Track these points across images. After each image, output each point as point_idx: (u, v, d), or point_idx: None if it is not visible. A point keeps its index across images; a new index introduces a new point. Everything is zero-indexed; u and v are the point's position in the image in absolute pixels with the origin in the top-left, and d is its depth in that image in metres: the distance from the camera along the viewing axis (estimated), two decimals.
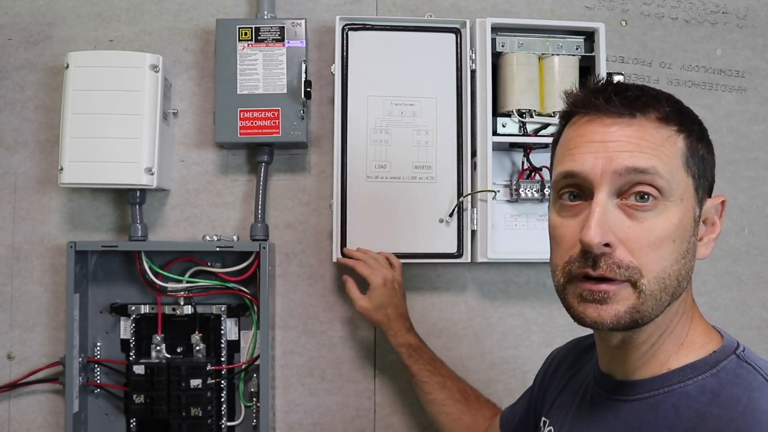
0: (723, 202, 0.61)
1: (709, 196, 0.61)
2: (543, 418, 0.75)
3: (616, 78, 1.11)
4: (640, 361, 0.60)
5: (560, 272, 0.59)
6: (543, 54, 1.10)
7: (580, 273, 0.56)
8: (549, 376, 0.80)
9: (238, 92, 1.08)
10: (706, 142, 0.60)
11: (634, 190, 0.55)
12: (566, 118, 0.62)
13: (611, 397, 0.61)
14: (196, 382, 1.06)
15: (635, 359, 0.60)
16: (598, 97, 0.57)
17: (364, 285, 1.05)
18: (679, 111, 0.59)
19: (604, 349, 0.64)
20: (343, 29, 1.08)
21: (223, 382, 1.11)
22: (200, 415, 1.06)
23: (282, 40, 1.09)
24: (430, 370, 1.00)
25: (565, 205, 0.59)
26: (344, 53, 1.08)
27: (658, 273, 0.55)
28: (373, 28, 1.09)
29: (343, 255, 1.07)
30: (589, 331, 0.70)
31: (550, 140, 1.09)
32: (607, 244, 0.55)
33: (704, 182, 0.59)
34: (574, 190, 0.58)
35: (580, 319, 0.57)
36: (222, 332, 1.11)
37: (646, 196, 0.55)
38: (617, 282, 0.55)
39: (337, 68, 1.07)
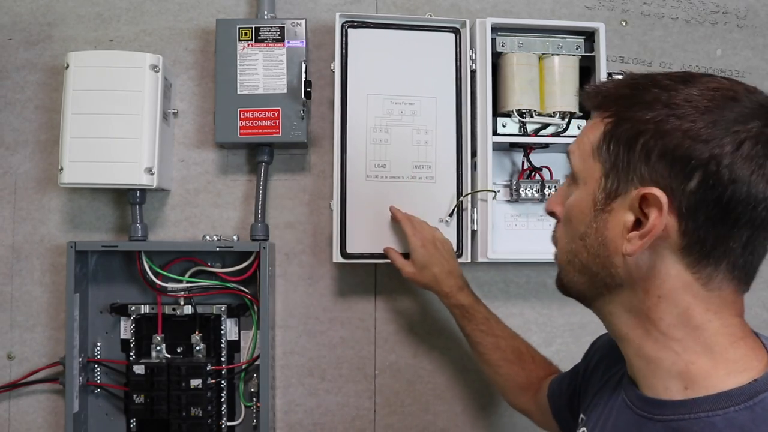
0: (644, 195, 0.52)
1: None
2: (582, 415, 0.72)
3: (617, 78, 1.11)
4: (642, 363, 0.57)
5: None
6: (543, 54, 1.10)
7: None
8: (592, 367, 0.76)
9: (238, 92, 1.08)
10: (651, 128, 0.53)
11: None
12: None
13: (636, 411, 0.58)
14: (196, 382, 1.06)
15: (636, 359, 0.58)
16: (585, 97, 0.62)
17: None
18: (620, 98, 0.56)
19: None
20: (342, 27, 1.08)
21: (223, 382, 1.11)
22: (200, 415, 1.06)
23: (282, 40, 1.09)
24: (483, 330, 0.97)
25: None
26: (344, 51, 1.08)
27: (561, 246, 0.62)
28: (373, 26, 1.09)
29: (390, 210, 1.06)
30: None
31: (550, 140, 1.10)
32: (555, 215, 0.64)
33: (626, 170, 0.54)
34: None
35: None
36: (222, 332, 1.11)
37: (569, 182, 0.62)
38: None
39: (336, 66, 1.07)
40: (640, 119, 0.54)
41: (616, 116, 0.56)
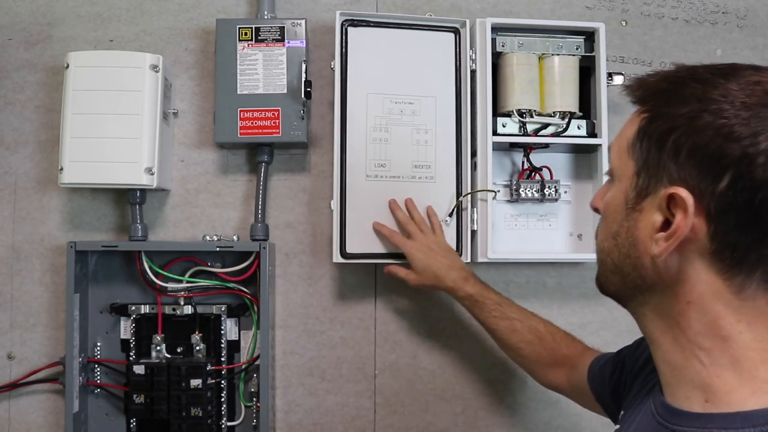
0: (671, 195, 0.50)
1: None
2: (622, 411, 0.71)
3: (617, 78, 1.11)
4: (668, 370, 0.56)
5: None
6: (543, 54, 1.10)
7: None
8: (641, 365, 0.73)
9: (238, 92, 1.08)
10: (682, 126, 0.51)
11: None
12: None
13: (657, 418, 0.57)
14: (196, 382, 1.06)
15: (662, 365, 0.57)
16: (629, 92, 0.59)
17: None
18: (657, 93, 0.54)
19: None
20: (342, 25, 1.08)
21: (223, 382, 1.11)
22: (200, 415, 1.06)
23: (282, 40, 1.09)
24: (496, 315, 0.97)
25: None
26: (344, 50, 1.08)
27: (599, 245, 0.61)
28: (373, 25, 1.09)
29: (375, 229, 1.08)
30: None
31: (550, 140, 1.10)
32: (597, 211, 0.63)
33: (657, 169, 0.52)
34: None
35: None
36: (222, 332, 1.11)
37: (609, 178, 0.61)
38: None
39: (336, 64, 1.07)
40: (673, 115, 0.51)
41: (652, 112, 0.54)
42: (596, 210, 0.63)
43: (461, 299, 1.00)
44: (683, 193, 0.50)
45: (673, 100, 0.52)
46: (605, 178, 1.08)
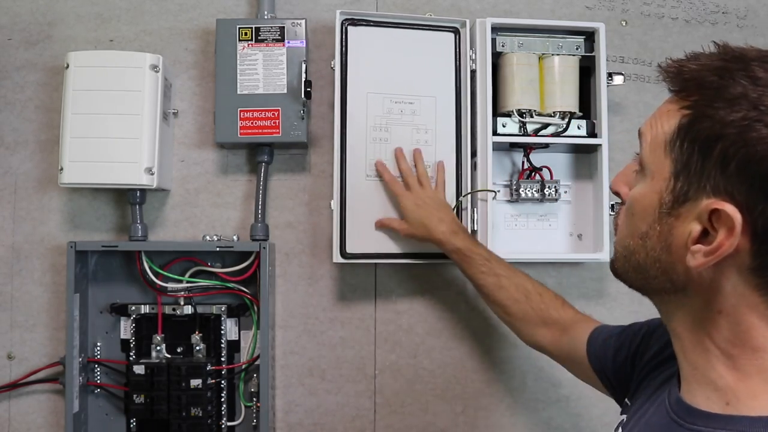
0: (714, 211, 0.47)
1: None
2: (626, 400, 0.69)
3: (617, 78, 1.11)
4: (689, 369, 0.55)
5: None
6: (543, 54, 1.10)
7: None
8: (657, 350, 0.70)
9: (238, 92, 1.08)
10: (732, 133, 0.47)
11: None
12: None
13: (671, 416, 0.55)
14: (196, 382, 1.06)
15: (683, 363, 0.56)
16: (665, 76, 0.55)
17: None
18: (702, 87, 0.50)
19: None
20: (342, 24, 1.08)
21: (223, 382, 1.11)
22: (200, 415, 1.06)
23: (282, 40, 1.09)
24: (484, 271, 0.96)
25: None
26: (344, 49, 1.08)
27: (620, 237, 0.58)
28: (373, 24, 1.09)
29: (377, 169, 1.08)
30: None
31: (550, 140, 1.10)
32: (619, 195, 0.60)
33: (699, 175, 0.49)
34: None
35: None
36: (222, 332, 1.11)
37: (637, 167, 0.57)
38: None
39: (336, 63, 1.06)
40: (722, 120, 0.47)
41: (695, 109, 0.49)
42: (617, 194, 0.60)
43: (450, 253, 1.00)
44: (730, 209, 0.46)
45: (721, 99, 0.48)
46: (606, 178, 1.09)
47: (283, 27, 1.09)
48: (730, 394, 0.51)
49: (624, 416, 0.66)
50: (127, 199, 1.11)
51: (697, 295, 0.52)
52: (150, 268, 1.09)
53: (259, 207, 1.12)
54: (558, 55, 1.10)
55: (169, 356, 1.09)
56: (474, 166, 1.11)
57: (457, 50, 1.11)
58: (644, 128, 0.55)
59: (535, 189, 1.10)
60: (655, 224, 0.52)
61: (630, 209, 0.56)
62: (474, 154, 1.10)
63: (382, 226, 1.07)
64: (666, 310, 0.57)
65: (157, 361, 1.08)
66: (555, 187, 1.11)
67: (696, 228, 0.49)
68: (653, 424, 0.57)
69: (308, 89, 1.06)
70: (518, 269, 0.99)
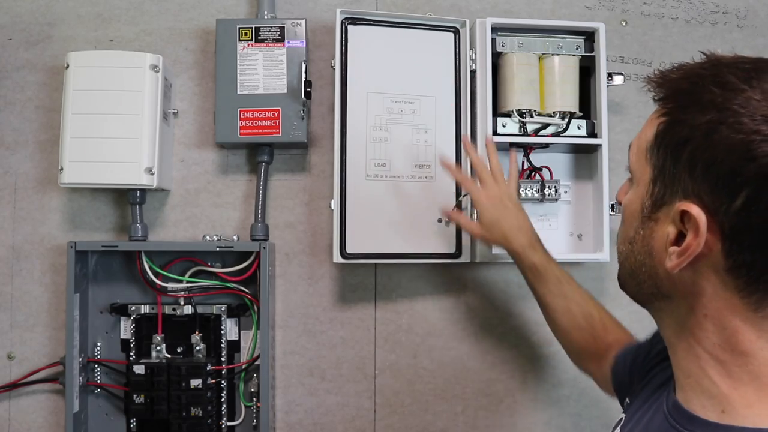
0: (683, 213, 0.49)
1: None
2: (627, 399, 0.70)
3: (617, 78, 1.11)
4: (681, 375, 0.55)
5: None
6: (543, 54, 1.10)
7: None
8: (654, 354, 0.71)
9: (238, 92, 1.08)
10: (699, 136, 0.48)
11: None
12: None
13: (668, 419, 0.55)
14: (196, 382, 1.06)
15: (677, 369, 0.56)
16: (652, 86, 0.56)
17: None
18: (678, 93, 0.52)
19: None
20: (342, 23, 1.08)
21: (223, 382, 1.11)
22: (200, 415, 1.06)
23: (282, 40, 1.09)
24: (554, 292, 0.91)
25: None
26: (344, 48, 1.07)
27: (618, 246, 0.60)
28: (373, 23, 1.09)
29: (442, 163, 1.04)
30: None
31: (550, 140, 1.10)
32: (620, 204, 0.61)
33: (672, 179, 0.50)
34: None
35: None
36: (222, 332, 1.11)
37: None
38: None
39: (336, 62, 1.06)
40: (690, 124, 0.49)
41: (670, 116, 0.52)
42: (620, 204, 0.62)
43: (524, 268, 0.94)
44: (695, 210, 0.48)
45: (691, 105, 0.50)
46: (606, 178, 1.09)
47: (283, 27, 1.09)
48: (725, 402, 0.51)
49: (623, 414, 0.66)
50: (127, 199, 1.11)
51: (682, 300, 0.53)
52: (150, 268, 1.09)
53: (259, 207, 1.12)
54: (558, 55, 1.10)
55: (169, 356, 1.09)
56: None
57: (457, 50, 1.11)
58: (633, 139, 0.58)
59: (535, 189, 1.10)
60: (639, 229, 0.55)
61: (622, 216, 0.59)
62: None
63: (451, 218, 1.03)
64: (658, 318, 0.59)
65: (157, 361, 1.08)
66: (555, 187, 1.11)
67: (672, 231, 0.51)
68: (651, 428, 0.57)
69: (308, 89, 1.06)
70: (587, 293, 0.94)
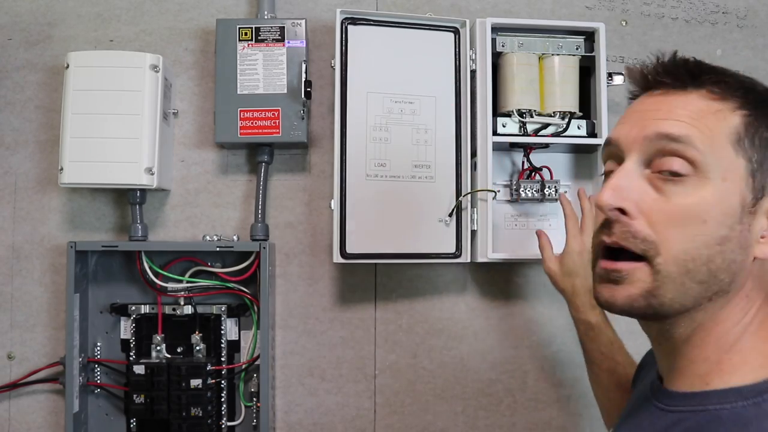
0: None
1: None
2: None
3: (617, 78, 1.11)
4: (680, 363, 0.55)
5: (593, 247, 0.57)
6: (543, 54, 1.10)
7: (598, 243, 0.56)
8: (639, 377, 0.75)
9: (238, 92, 1.08)
10: None
11: (664, 159, 0.52)
12: (633, 97, 0.59)
13: (652, 402, 0.57)
14: (196, 382, 1.06)
15: (676, 361, 0.56)
16: (652, 71, 0.55)
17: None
18: (748, 91, 0.53)
19: (653, 346, 0.61)
20: (342, 23, 1.07)
21: (223, 382, 1.11)
22: (200, 415, 1.06)
23: (282, 40, 1.09)
24: (604, 353, 0.91)
25: (605, 173, 0.58)
26: (344, 48, 1.07)
27: (678, 253, 0.51)
28: (373, 23, 1.09)
29: (560, 200, 1.02)
30: None
31: (550, 140, 1.10)
32: (623, 211, 0.53)
33: None
34: (614, 160, 0.57)
35: (597, 300, 0.56)
36: (222, 332, 1.11)
37: (677, 173, 0.52)
38: (634, 262, 0.52)
39: (336, 62, 1.06)
40: None
41: (754, 109, 0.52)
42: (620, 211, 0.53)
43: (579, 322, 0.94)
44: None
45: (760, 101, 0.53)
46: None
47: (283, 27, 1.09)
48: (714, 372, 0.53)
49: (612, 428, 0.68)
50: (127, 199, 1.11)
51: (752, 286, 0.54)
52: (150, 268, 1.09)
53: (259, 207, 1.12)
54: (558, 55, 1.10)
55: (169, 356, 1.09)
56: (474, 166, 1.11)
57: (457, 50, 1.11)
58: (685, 130, 0.52)
59: (535, 189, 1.10)
60: (737, 225, 0.51)
61: (700, 217, 0.51)
62: (474, 154, 1.10)
63: (540, 242, 1.00)
64: (690, 320, 0.54)
65: (157, 361, 1.08)
66: (555, 187, 1.11)
67: (765, 221, 0.52)
68: (641, 416, 0.58)
69: (308, 89, 1.06)
70: (634, 361, 0.89)
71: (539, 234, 1.01)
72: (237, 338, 1.13)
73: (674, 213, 0.51)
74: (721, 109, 0.52)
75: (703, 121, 0.52)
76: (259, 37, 1.09)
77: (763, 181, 0.52)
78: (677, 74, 0.54)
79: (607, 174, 0.57)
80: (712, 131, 0.51)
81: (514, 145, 1.13)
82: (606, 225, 0.54)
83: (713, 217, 0.51)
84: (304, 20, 1.10)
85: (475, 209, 1.09)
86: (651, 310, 0.53)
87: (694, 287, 0.52)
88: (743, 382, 0.50)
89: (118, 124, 1.04)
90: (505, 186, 1.14)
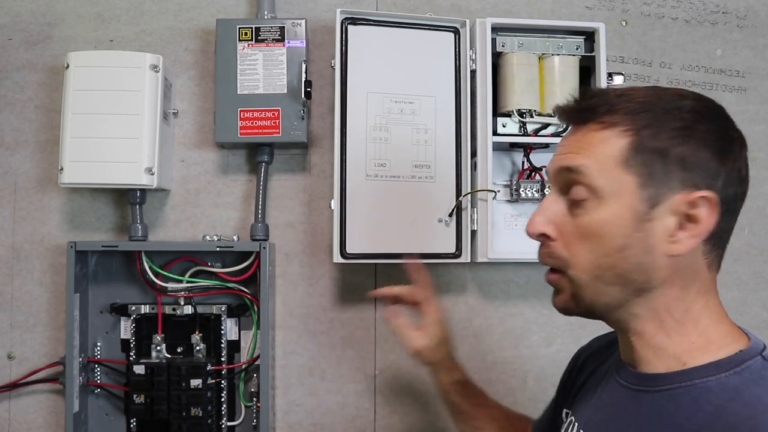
0: (702, 198, 0.56)
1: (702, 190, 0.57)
2: (565, 410, 0.75)
3: (617, 78, 1.11)
4: (650, 352, 0.61)
5: None
6: (543, 54, 1.10)
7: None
8: (575, 374, 0.79)
9: (239, 92, 1.08)
10: (680, 138, 0.57)
11: (572, 188, 0.60)
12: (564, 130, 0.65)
13: (632, 387, 0.62)
14: (196, 382, 1.06)
15: (643, 350, 0.61)
16: (561, 111, 0.64)
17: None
18: (639, 113, 0.59)
19: (620, 338, 0.67)
20: (342, 23, 1.07)
21: (223, 382, 1.11)
22: (200, 415, 1.06)
23: (282, 40, 1.09)
24: (480, 404, 0.92)
25: None
26: (344, 48, 1.07)
27: (585, 264, 0.60)
28: (373, 23, 1.09)
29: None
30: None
31: (550, 140, 1.10)
32: (546, 236, 0.62)
33: (664, 178, 0.57)
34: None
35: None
36: (222, 332, 1.11)
37: (579, 198, 0.60)
38: (557, 274, 0.62)
39: (336, 62, 1.06)
40: (666, 129, 0.58)
41: (640, 129, 0.58)
42: (543, 236, 0.62)
43: (451, 383, 0.92)
44: (709, 194, 0.56)
45: (646, 116, 0.58)
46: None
47: (283, 27, 1.09)
48: (687, 355, 0.59)
49: (572, 418, 0.70)
50: (127, 199, 1.11)
51: (674, 283, 0.59)
52: (150, 268, 1.09)
53: (259, 207, 1.12)
54: (558, 55, 1.10)
55: (169, 356, 1.09)
56: (474, 166, 1.11)
57: (457, 50, 1.11)
58: (579, 161, 0.60)
59: (535, 189, 1.10)
60: (634, 233, 0.58)
61: (596, 233, 0.59)
62: (474, 154, 1.10)
63: (395, 328, 0.92)
64: (634, 315, 0.61)
65: (157, 361, 1.08)
66: None
67: (672, 221, 0.57)
68: (616, 402, 0.63)
69: (308, 89, 1.06)
70: (495, 399, 0.94)
71: (388, 318, 0.93)
72: (237, 338, 1.13)
73: (579, 232, 0.60)
74: (609, 137, 0.59)
75: (593, 150, 0.59)
76: (259, 37, 1.09)
77: (656, 191, 0.57)
78: (577, 111, 0.62)
79: None
80: (600, 157, 0.59)
81: (514, 145, 1.13)
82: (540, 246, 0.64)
83: (608, 231, 0.58)
84: (304, 20, 1.10)
85: (475, 209, 1.09)
86: (583, 308, 0.62)
87: (610, 288, 0.59)
88: (717, 358, 0.57)
89: (118, 124, 1.04)
90: (505, 186, 1.14)
